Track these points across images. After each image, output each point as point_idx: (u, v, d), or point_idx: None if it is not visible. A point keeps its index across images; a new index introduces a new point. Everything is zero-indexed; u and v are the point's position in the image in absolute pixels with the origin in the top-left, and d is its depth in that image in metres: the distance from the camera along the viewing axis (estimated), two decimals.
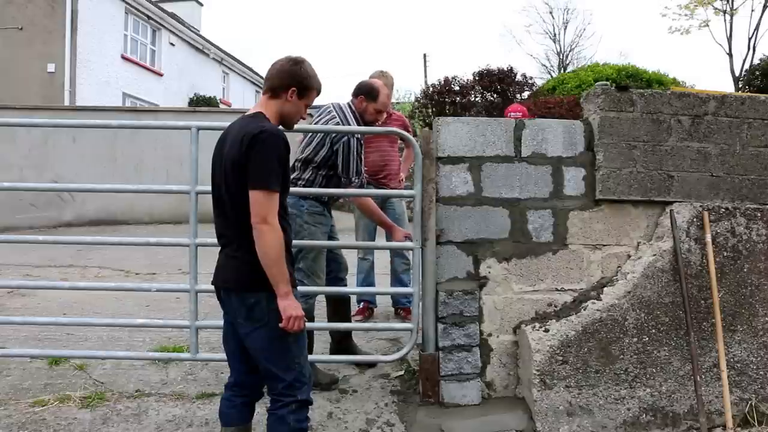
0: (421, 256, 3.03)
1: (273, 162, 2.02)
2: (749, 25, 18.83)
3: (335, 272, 3.46)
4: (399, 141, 4.43)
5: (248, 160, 2.02)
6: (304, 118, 2.33)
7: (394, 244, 4.23)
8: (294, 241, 3.19)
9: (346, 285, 3.60)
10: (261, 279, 2.03)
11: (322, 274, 3.28)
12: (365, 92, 3.38)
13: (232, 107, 18.50)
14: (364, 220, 4.21)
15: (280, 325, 2.03)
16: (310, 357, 3.28)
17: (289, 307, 2.04)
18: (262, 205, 1.99)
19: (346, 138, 3.18)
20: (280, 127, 2.22)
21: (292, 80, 2.18)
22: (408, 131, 3.94)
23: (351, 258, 3.96)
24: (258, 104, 2.25)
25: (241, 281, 2.10)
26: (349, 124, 3.26)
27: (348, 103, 3.41)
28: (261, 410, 2.92)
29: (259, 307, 2.07)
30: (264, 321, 2.07)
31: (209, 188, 3.41)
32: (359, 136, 3.26)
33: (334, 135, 3.17)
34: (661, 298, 3.02)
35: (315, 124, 3.35)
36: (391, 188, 4.21)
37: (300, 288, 3.25)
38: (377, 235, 4.40)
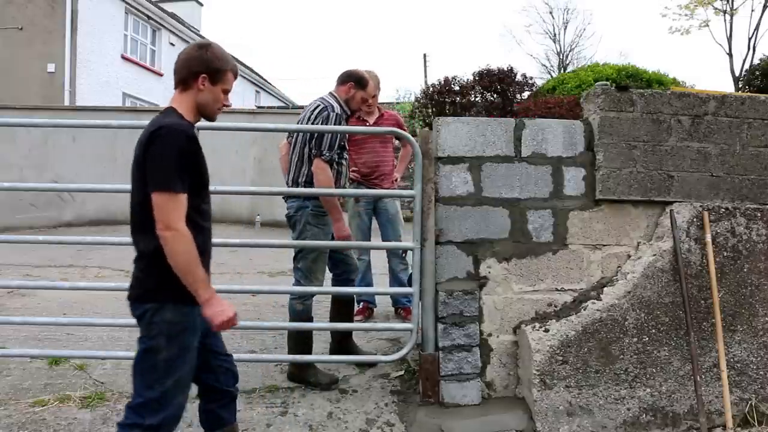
0: (420, 256, 3.03)
1: (172, 160, 1.84)
2: (749, 25, 18.90)
3: (346, 274, 3.47)
4: (395, 141, 4.43)
5: (146, 159, 1.87)
6: (227, 105, 2.15)
7: (390, 244, 4.24)
8: (297, 242, 3.22)
9: (354, 286, 3.61)
10: (145, 292, 1.92)
11: (321, 275, 3.28)
12: (355, 79, 3.35)
13: (232, 107, 18.49)
14: (356, 220, 4.21)
15: (213, 329, 1.92)
16: (311, 357, 3.29)
17: (215, 314, 1.88)
18: (163, 209, 1.82)
19: (326, 113, 3.20)
20: (199, 121, 2.09)
21: (200, 66, 2.01)
22: (403, 130, 3.94)
23: None
24: (171, 100, 2.08)
25: (130, 291, 1.98)
26: (333, 108, 3.23)
27: (330, 93, 3.39)
28: (251, 408, 2.93)
29: (144, 319, 1.93)
30: (145, 333, 1.94)
31: (209, 188, 3.42)
32: (340, 113, 3.24)
33: (315, 113, 3.21)
34: (661, 298, 3.02)
35: (301, 122, 3.35)
36: (384, 189, 4.20)
37: (299, 288, 3.28)
38: (372, 234, 4.41)
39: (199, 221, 1.98)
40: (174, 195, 1.84)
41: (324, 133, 3.14)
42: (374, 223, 4.37)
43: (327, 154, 3.14)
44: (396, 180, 4.39)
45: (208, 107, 2.07)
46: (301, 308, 3.22)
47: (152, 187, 1.84)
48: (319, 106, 3.26)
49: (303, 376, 3.19)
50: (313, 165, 3.16)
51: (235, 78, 2.12)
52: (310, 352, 3.28)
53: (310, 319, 3.29)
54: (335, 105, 3.27)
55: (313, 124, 3.22)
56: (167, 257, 1.84)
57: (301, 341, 3.24)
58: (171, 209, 1.82)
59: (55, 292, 4.54)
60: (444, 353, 3.02)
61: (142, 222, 1.90)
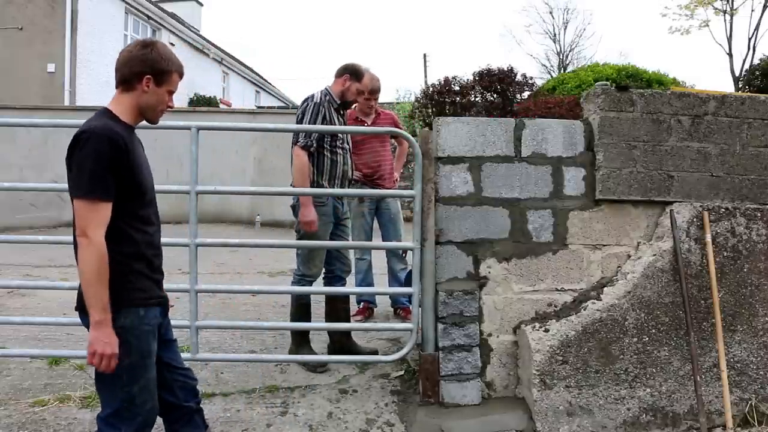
0: (420, 256, 3.03)
1: (93, 165, 1.75)
2: (749, 25, 18.89)
3: (338, 271, 3.53)
4: (392, 140, 4.44)
5: (69, 164, 1.80)
6: (171, 106, 2.02)
7: (390, 244, 4.25)
8: (297, 242, 3.25)
9: (344, 284, 3.65)
10: None
11: (319, 262, 3.39)
12: (351, 71, 3.46)
13: (232, 107, 18.51)
14: (359, 220, 4.22)
15: (87, 360, 1.78)
16: (312, 357, 3.31)
17: (97, 340, 1.74)
18: (81, 216, 1.75)
19: (305, 104, 3.34)
20: (139, 122, 1.98)
21: (145, 66, 1.88)
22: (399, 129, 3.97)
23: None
24: (110, 100, 1.96)
25: (77, 301, 1.88)
26: (312, 98, 3.35)
27: (325, 87, 3.49)
28: (251, 408, 2.93)
29: None
30: None
31: (209, 188, 3.45)
32: (320, 101, 3.34)
33: (305, 105, 3.35)
34: (661, 298, 3.02)
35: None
36: (386, 188, 4.22)
37: (299, 288, 3.29)
38: (373, 235, 4.41)
39: (139, 226, 1.90)
40: (92, 202, 1.75)
41: (302, 119, 3.29)
42: (374, 223, 4.38)
43: (302, 141, 3.24)
44: (397, 179, 4.41)
45: (150, 110, 1.96)
46: (299, 281, 3.41)
47: (73, 193, 1.78)
48: (307, 104, 3.39)
49: (296, 345, 3.38)
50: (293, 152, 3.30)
51: (181, 79, 1.99)
52: (309, 317, 3.46)
53: (308, 310, 3.44)
54: (316, 95, 3.39)
55: (297, 117, 3.40)
56: (78, 263, 1.76)
57: (302, 308, 3.41)
58: (88, 217, 1.75)
59: (55, 292, 4.54)
60: (444, 353, 3.02)
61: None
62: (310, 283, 3.43)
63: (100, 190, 1.76)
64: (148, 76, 1.89)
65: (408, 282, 3.85)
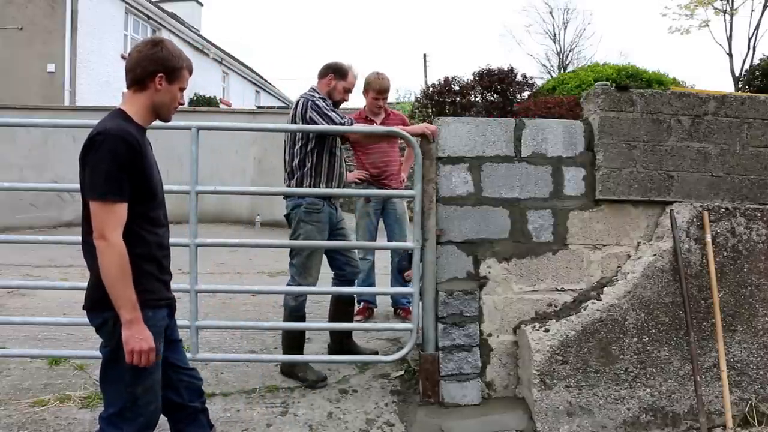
0: (420, 256, 3.03)
1: (108, 166, 1.76)
2: (749, 25, 18.90)
3: (351, 275, 3.48)
4: (399, 140, 4.43)
5: (84, 166, 1.81)
6: (182, 103, 2.06)
7: (393, 244, 4.25)
8: (298, 242, 3.23)
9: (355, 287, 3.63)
10: (102, 298, 1.81)
11: (316, 272, 3.30)
12: (334, 70, 3.38)
13: (232, 107, 18.50)
14: (364, 220, 4.22)
15: (126, 359, 1.80)
16: (311, 357, 3.30)
17: (131, 338, 1.77)
18: (98, 218, 1.76)
19: (306, 101, 3.23)
20: (153, 121, 2.00)
21: (157, 65, 1.90)
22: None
23: None
24: (122, 101, 1.98)
25: (86, 301, 1.90)
26: (312, 98, 3.27)
27: (311, 87, 3.43)
28: (251, 408, 2.93)
29: (106, 328, 1.86)
30: (108, 342, 1.88)
31: (209, 188, 3.45)
32: (319, 97, 3.29)
33: (302, 111, 3.23)
34: (661, 298, 3.02)
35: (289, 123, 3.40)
36: (393, 189, 4.22)
37: (299, 288, 3.28)
38: (378, 235, 4.42)
39: (148, 228, 1.92)
40: (108, 204, 1.77)
41: (326, 113, 3.20)
42: (380, 224, 4.38)
43: (345, 120, 3.21)
44: (404, 180, 4.42)
45: (165, 108, 1.98)
46: (294, 304, 3.27)
47: (89, 195, 1.80)
48: (297, 101, 3.32)
49: (292, 371, 3.25)
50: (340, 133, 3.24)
51: (190, 75, 2.02)
52: (301, 350, 3.33)
53: (303, 317, 3.33)
54: (309, 93, 3.32)
55: (303, 118, 3.25)
56: (100, 267, 1.77)
57: (294, 339, 3.30)
58: (105, 219, 1.76)
59: (55, 292, 4.54)
60: (444, 353, 3.02)
61: (87, 227, 1.85)
62: (305, 296, 3.34)
63: (115, 191, 1.78)
64: (160, 75, 1.91)
65: (401, 265, 3.84)
